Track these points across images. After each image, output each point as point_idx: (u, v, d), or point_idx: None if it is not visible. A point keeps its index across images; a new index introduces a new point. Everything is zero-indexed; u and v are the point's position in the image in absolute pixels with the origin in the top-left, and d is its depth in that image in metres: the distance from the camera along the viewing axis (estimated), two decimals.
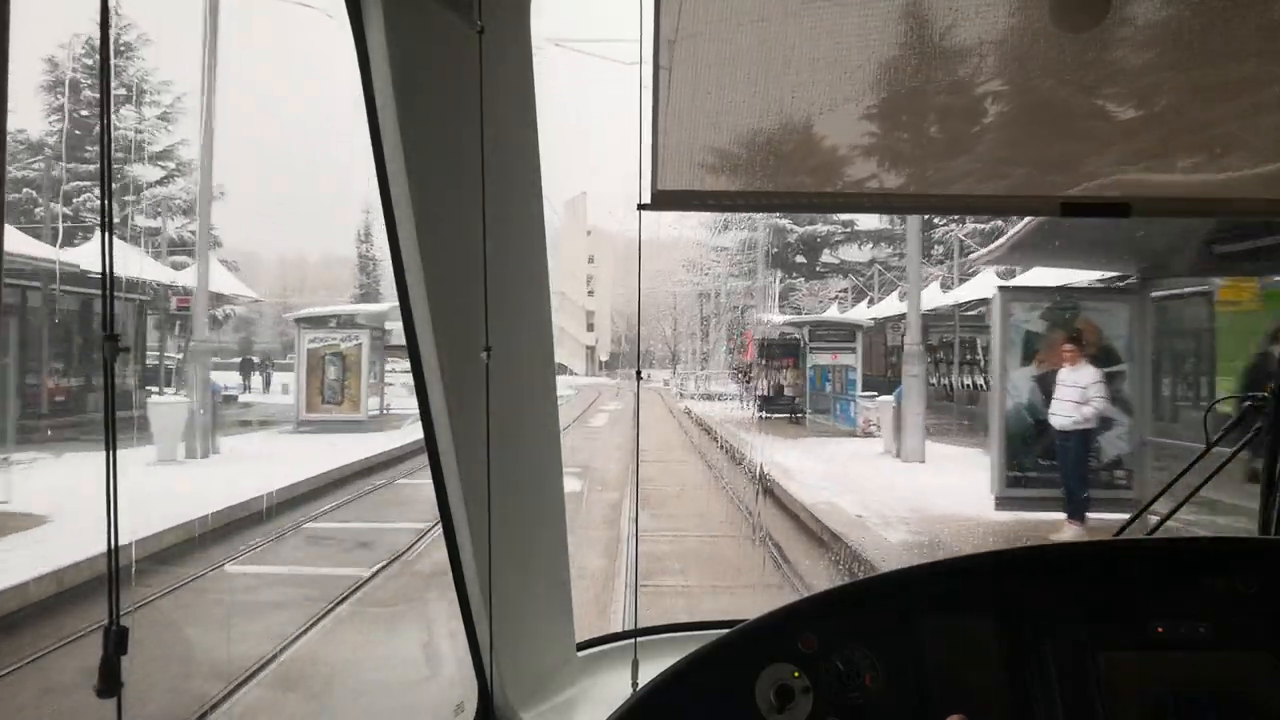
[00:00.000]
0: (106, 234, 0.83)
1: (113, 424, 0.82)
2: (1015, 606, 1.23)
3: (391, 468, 13.64)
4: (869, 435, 17.20)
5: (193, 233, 25.39)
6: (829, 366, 21.24)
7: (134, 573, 6.91)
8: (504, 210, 1.36)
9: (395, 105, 1.18)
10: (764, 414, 22.55)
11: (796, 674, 1.18)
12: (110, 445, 0.80)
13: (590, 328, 57.14)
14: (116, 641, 0.79)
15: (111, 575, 0.80)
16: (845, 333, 21.72)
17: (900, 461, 13.86)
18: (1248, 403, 1.71)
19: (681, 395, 35.35)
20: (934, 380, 27.95)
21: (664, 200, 1.18)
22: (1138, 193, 1.20)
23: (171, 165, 28.73)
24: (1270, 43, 1.14)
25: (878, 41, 1.12)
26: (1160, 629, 1.21)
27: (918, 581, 1.29)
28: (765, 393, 23.22)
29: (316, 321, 19.22)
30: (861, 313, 29.03)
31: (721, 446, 17.51)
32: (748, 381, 26.55)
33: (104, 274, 0.79)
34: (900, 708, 1.18)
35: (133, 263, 18.25)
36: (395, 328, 22.58)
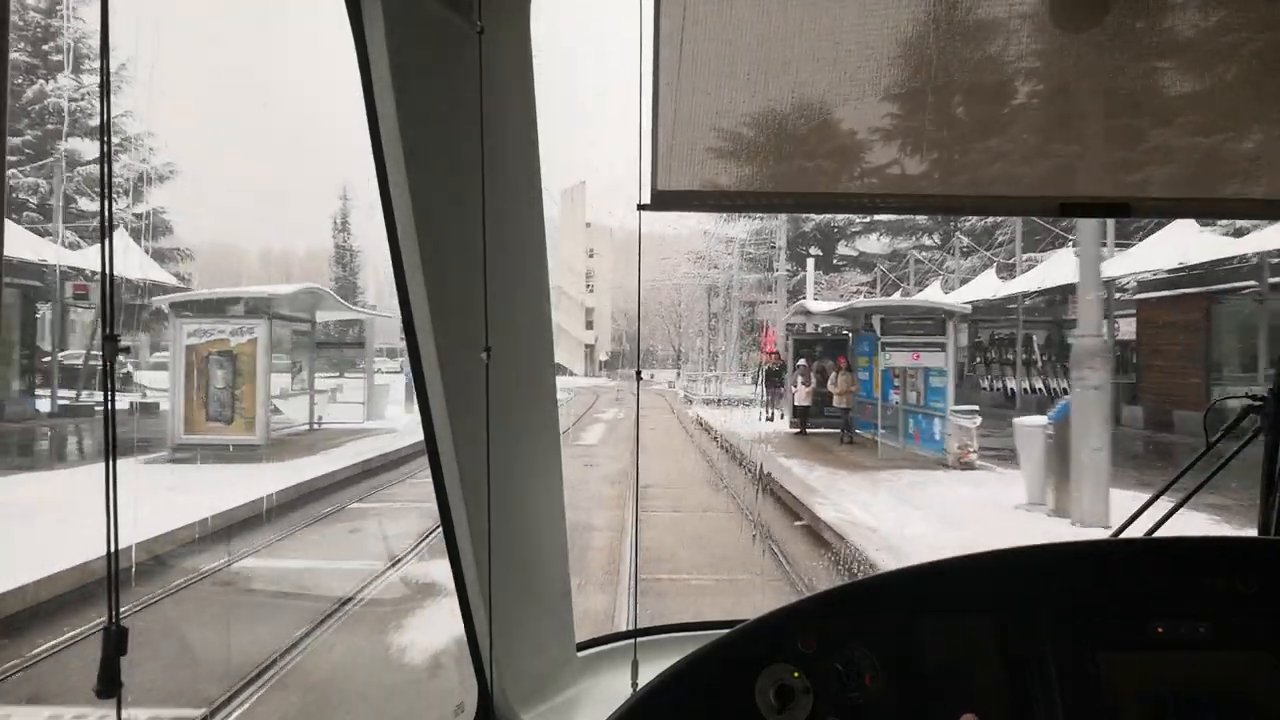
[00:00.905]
0: (106, 234, 0.83)
1: (113, 425, 0.83)
2: (1015, 606, 1.23)
3: (256, 530, 8.36)
4: (968, 467, 12.72)
5: (137, 215, 22.32)
6: (904, 370, 15.13)
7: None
8: (504, 210, 1.36)
9: (395, 105, 1.18)
10: (801, 429, 18.11)
11: (796, 674, 1.18)
12: (110, 446, 0.80)
13: (589, 325, 53.89)
14: (116, 642, 0.80)
15: (111, 576, 0.81)
16: (931, 323, 14.99)
17: (1069, 524, 8.87)
18: (1247, 402, 1.71)
19: (689, 400, 30.53)
20: (985, 384, 24.55)
21: (664, 200, 1.18)
22: (1138, 193, 1.20)
23: (114, 140, 23.46)
24: (1270, 43, 1.14)
25: (877, 42, 1.12)
26: (1160, 629, 1.21)
27: (918, 581, 1.29)
28: (803, 401, 18.15)
29: (200, 308, 13.63)
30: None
31: (760, 481, 11.93)
32: (778, 386, 21.22)
33: (103, 274, 0.79)
34: (900, 708, 1.18)
35: (29, 245, 15.33)
36: (332, 318, 18.68)
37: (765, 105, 1.15)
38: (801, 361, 18.73)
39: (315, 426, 16.18)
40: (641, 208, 1.19)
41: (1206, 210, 1.32)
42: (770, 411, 21.58)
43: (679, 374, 43.41)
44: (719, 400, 27.19)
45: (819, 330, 20.85)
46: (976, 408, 13.78)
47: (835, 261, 37.69)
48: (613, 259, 52.75)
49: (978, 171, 1.25)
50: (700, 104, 1.14)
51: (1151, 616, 1.21)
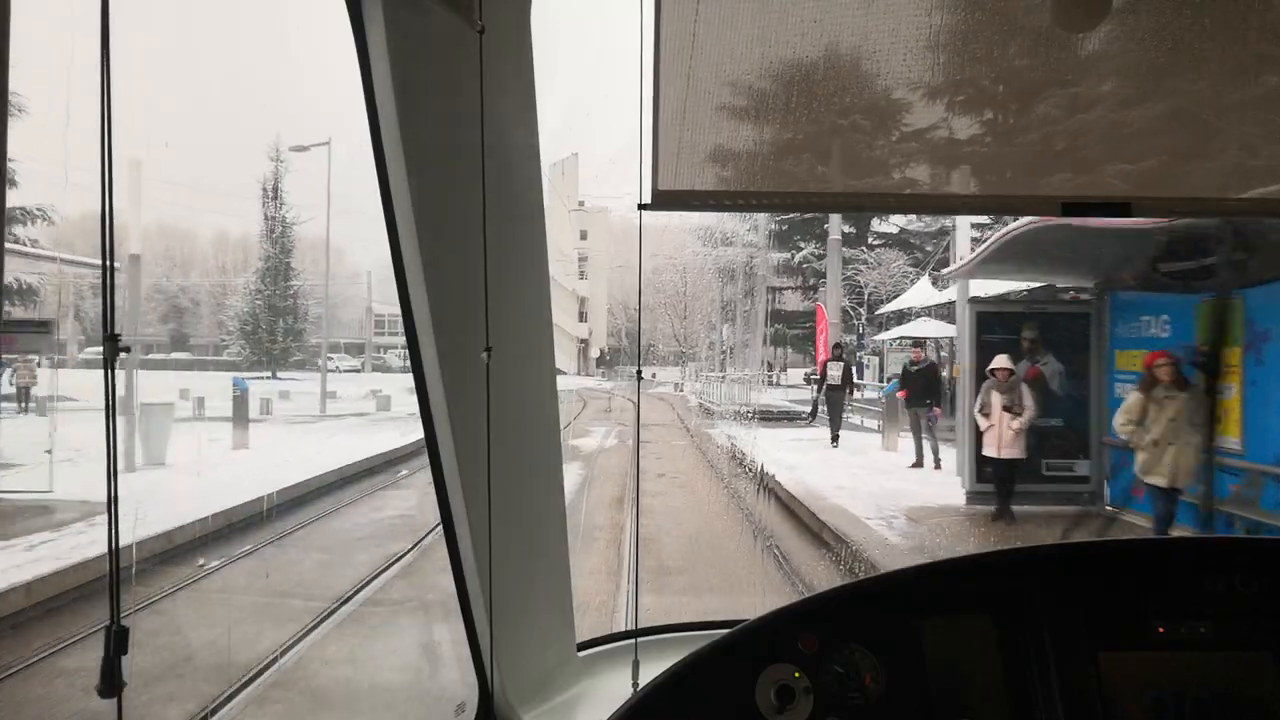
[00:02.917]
0: (106, 233, 0.83)
1: (113, 424, 0.83)
2: (1015, 606, 1.23)
3: None
4: None
5: None
6: None
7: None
8: (504, 210, 1.36)
9: (395, 105, 1.18)
10: (1002, 505, 8.51)
11: (797, 674, 1.18)
12: (110, 445, 0.80)
13: (583, 317, 45.61)
14: (117, 641, 0.80)
15: (112, 575, 0.81)
16: None
17: None
18: None
19: (708, 412, 20.90)
20: None
21: (664, 200, 1.18)
22: (1138, 192, 1.20)
23: None
24: (1271, 43, 1.15)
25: (878, 43, 1.12)
26: (1160, 629, 1.21)
27: (918, 582, 1.29)
28: (1007, 450, 8.33)
29: None
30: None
31: None
32: (930, 405, 11.74)
33: (104, 274, 0.79)
34: (901, 708, 1.18)
35: None
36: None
37: (765, 105, 1.16)
38: (1002, 360, 8.46)
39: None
40: (642, 207, 1.20)
41: (1208, 209, 1.32)
42: (922, 453, 11.59)
43: (684, 371, 34.80)
44: (762, 415, 17.82)
45: (1027, 297, 10.56)
46: None
47: (870, 240, 29.74)
48: (608, 240, 44.22)
49: (979, 171, 1.25)
50: (701, 103, 1.14)
51: (1151, 616, 1.21)
